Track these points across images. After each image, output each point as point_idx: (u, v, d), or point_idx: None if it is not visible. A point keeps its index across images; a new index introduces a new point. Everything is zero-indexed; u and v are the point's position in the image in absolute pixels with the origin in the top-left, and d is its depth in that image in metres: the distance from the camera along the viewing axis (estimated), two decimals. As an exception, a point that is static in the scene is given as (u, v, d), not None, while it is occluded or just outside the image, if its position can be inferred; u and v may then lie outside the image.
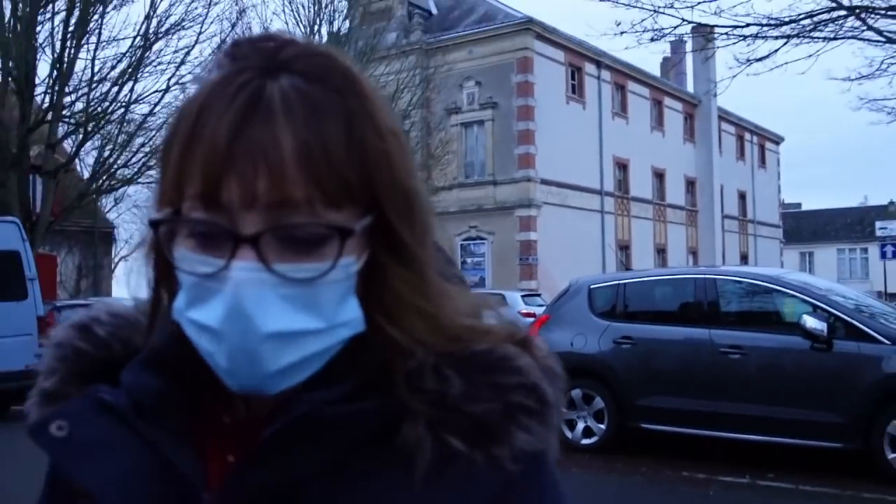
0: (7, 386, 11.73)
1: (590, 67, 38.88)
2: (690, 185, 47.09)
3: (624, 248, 40.47)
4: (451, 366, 0.75)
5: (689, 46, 21.75)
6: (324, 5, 27.71)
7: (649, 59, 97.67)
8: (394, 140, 0.75)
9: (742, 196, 53.01)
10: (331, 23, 27.94)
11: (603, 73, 39.26)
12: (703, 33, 16.62)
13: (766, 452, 8.31)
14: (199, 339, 0.71)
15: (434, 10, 38.05)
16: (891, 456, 7.39)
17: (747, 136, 54.23)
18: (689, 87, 46.75)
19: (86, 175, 22.54)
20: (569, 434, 8.89)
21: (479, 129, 36.30)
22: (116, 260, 35.16)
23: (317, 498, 0.73)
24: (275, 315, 0.68)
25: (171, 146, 0.72)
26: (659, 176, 43.96)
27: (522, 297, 26.25)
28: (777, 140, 58.70)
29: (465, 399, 0.73)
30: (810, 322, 7.76)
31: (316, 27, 27.70)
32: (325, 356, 0.72)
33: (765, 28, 14.64)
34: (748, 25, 14.65)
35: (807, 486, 7.46)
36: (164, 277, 0.78)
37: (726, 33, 15.03)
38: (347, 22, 28.25)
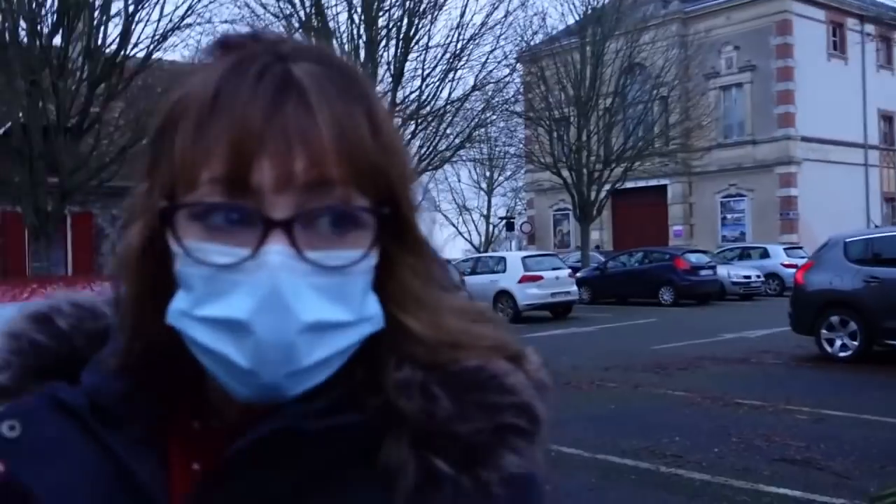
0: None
1: (852, 23, 39.18)
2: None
3: (889, 200, 40.61)
4: (439, 383, 0.70)
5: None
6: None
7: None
8: (400, 139, 0.73)
9: None
10: None
11: (866, 27, 39.37)
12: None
13: None
14: (209, 339, 0.64)
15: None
16: None
17: None
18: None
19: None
20: (829, 349, 12.03)
21: (737, 92, 38.20)
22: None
23: None
24: (311, 305, 0.63)
25: (169, 132, 0.67)
26: (928, 126, 43.15)
27: (784, 249, 28.46)
28: None
29: (452, 420, 0.69)
30: None
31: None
32: (346, 354, 0.67)
33: None
34: None
35: None
36: (149, 279, 0.69)
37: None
38: None
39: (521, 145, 34.10)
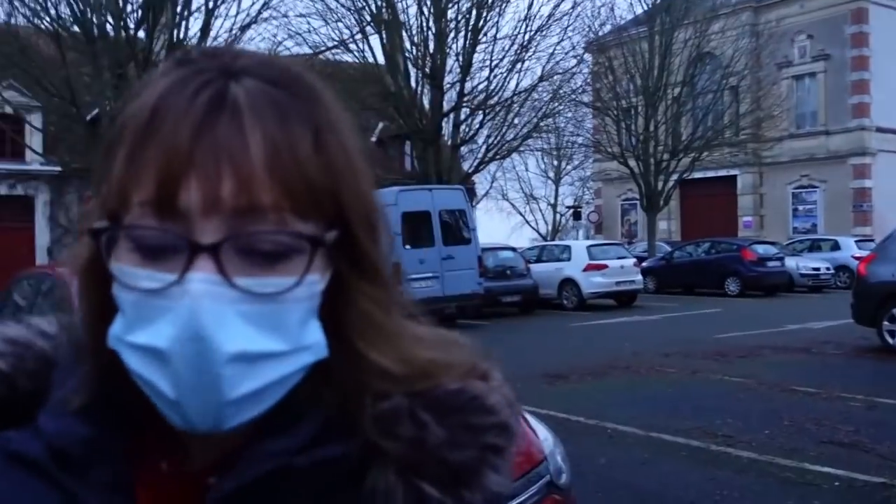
0: (462, 303, 17.13)
1: (932, 9, 38.17)
2: None
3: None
4: (425, 409, 0.69)
5: None
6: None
7: None
8: (357, 155, 0.69)
9: None
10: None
11: (946, 14, 38.31)
12: None
13: None
14: (140, 366, 0.62)
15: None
16: None
17: None
18: None
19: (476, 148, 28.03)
20: (890, 341, 12.12)
21: (810, 81, 37.60)
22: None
23: None
24: (236, 334, 0.60)
25: (112, 151, 0.65)
26: None
27: (856, 242, 28.05)
28: None
29: (443, 447, 0.68)
30: None
31: None
32: (286, 385, 0.64)
33: None
34: None
35: None
36: (97, 302, 0.67)
37: None
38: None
39: (588, 135, 34.24)
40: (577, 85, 27.67)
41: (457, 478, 0.69)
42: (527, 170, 51.00)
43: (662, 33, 29.99)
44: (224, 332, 0.60)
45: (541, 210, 54.46)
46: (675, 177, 30.63)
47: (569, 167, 50.46)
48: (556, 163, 50.57)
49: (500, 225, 53.29)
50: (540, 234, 52.83)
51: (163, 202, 0.61)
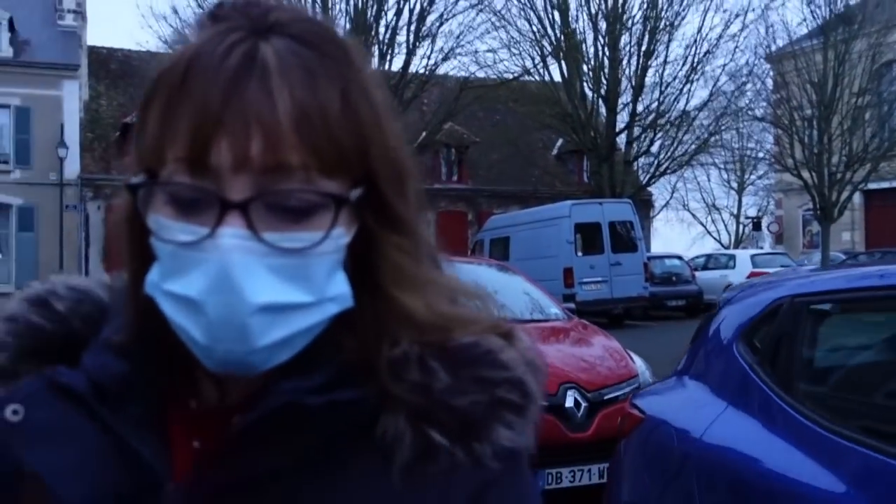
0: (629, 305, 19.27)
1: None
2: None
3: None
4: (436, 358, 0.71)
5: None
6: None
7: None
8: (386, 114, 0.71)
9: None
10: None
11: None
12: None
13: None
14: (175, 313, 0.66)
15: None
16: None
17: None
18: None
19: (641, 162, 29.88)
20: None
21: None
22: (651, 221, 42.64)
23: (290, 490, 0.70)
24: (264, 286, 0.64)
25: (149, 107, 0.68)
26: None
27: None
28: None
29: (449, 393, 0.70)
30: None
31: None
32: (311, 334, 0.68)
33: None
34: None
35: None
36: (138, 250, 0.71)
37: None
38: None
39: (767, 146, 35.00)
40: (747, 100, 28.95)
41: (466, 428, 0.70)
42: (709, 180, 51.40)
43: (836, 45, 30.46)
44: (252, 284, 0.63)
45: (723, 220, 54.63)
46: (850, 188, 30.93)
47: (752, 177, 50.51)
48: (738, 173, 50.70)
49: (680, 235, 53.73)
50: (722, 244, 52.92)
51: (195, 161, 0.64)
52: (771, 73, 31.68)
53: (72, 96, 30.49)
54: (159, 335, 0.71)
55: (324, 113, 0.66)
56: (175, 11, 23.55)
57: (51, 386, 0.74)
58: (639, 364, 6.08)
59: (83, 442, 0.72)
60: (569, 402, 5.41)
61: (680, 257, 24.35)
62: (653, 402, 3.21)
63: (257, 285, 0.64)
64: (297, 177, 0.65)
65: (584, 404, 5.37)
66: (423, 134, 26.32)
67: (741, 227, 52.59)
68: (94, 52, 33.38)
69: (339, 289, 0.69)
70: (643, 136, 27.54)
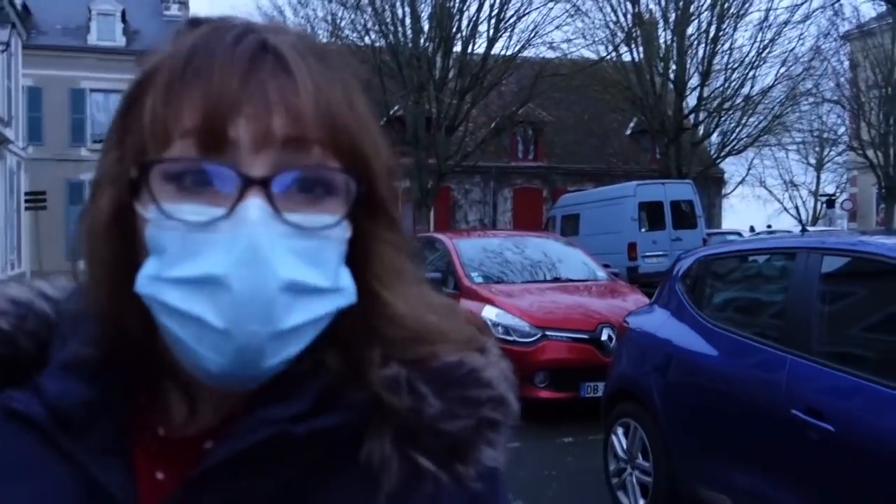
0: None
1: None
2: None
3: None
4: (423, 380, 0.70)
5: None
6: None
7: None
8: (373, 116, 0.71)
9: None
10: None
11: None
12: None
13: None
14: (182, 301, 0.62)
15: None
16: None
17: None
18: None
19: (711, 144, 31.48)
20: None
21: None
22: (722, 199, 43.74)
23: None
24: (288, 263, 0.62)
25: (141, 98, 0.65)
26: None
27: None
28: None
29: (440, 418, 0.69)
30: None
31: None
32: (318, 328, 0.66)
33: None
34: None
35: None
36: (122, 253, 0.66)
37: None
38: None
39: (841, 126, 35.94)
40: (814, 82, 30.18)
41: (452, 451, 0.69)
42: (787, 157, 51.79)
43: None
44: (279, 259, 0.61)
45: (801, 197, 54.87)
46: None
47: (832, 153, 50.66)
48: (817, 149, 50.96)
49: (756, 213, 54.02)
50: (800, 221, 53.20)
51: (211, 136, 0.62)
52: (842, 53, 32.59)
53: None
54: (127, 353, 0.69)
55: (337, 97, 0.67)
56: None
57: (3, 414, 0.69)
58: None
59: (43, 474, 0.68)
60: (604, 337, 8.01)
61: (739, 234, 26.05)
62: (634, 319, 5.56)
63: (283, 261, 0.62)
64: (315, 154, 0.65)
65: (615, 337, 7.59)
66: (501, 115, 28.36)
67: (819, 204, 52.83)
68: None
69: (346, 281, 0.68)
70: (709, 119, 29.19)
